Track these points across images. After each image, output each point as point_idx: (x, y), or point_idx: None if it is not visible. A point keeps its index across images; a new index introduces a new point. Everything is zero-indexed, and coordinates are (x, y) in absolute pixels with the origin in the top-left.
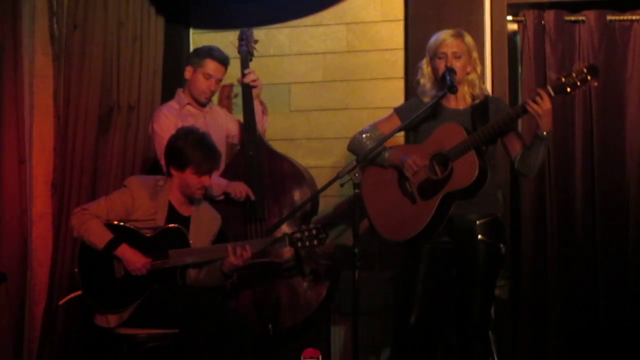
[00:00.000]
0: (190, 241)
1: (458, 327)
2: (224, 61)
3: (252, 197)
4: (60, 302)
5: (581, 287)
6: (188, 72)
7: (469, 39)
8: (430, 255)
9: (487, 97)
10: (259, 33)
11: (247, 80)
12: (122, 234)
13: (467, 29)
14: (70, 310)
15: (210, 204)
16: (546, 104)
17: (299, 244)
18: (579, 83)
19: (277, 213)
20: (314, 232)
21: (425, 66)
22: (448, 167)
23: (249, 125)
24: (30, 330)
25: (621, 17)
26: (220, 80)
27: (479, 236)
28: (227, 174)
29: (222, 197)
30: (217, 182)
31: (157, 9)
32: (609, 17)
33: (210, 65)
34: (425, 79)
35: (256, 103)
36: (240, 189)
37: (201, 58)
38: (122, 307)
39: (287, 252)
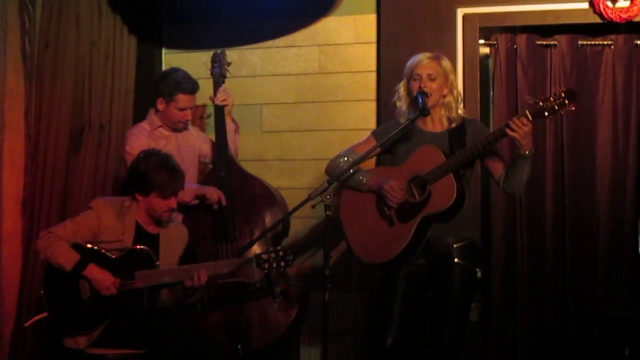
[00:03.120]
0: (160, 259)
1: (432, 349)
2: (194, 91)
3: (224, 202)
4: (26, 324)
5: (551, 311)
6: (160, 104)
7: (446, 62)
8: (407, 277)
9: (464, 119)
10: (231, 54)
11: (217, 100)
12: (89, 255)
13: (440, 52)
14: (39, 331)
15: (182, 221)
16: (526, 128)
17: (266, 265)
18: (557, 107)
19: (248, 233)
20: (280, 254)
21: (402, 89)
22: (426, 190)
23: (220, 146)
24: None
25: (592, 42)
26: (193, 106)
27: (456, 259)
28: None
29: (196, 202)
30: (187, 188)
31: (130, 28)
32: (580, 42)
33: (183, 99)
34: (401, 102)
35: (228, 120)
36: (213, 193)
37: (173, 93)
38: (90, 329)
39: (258, 272)
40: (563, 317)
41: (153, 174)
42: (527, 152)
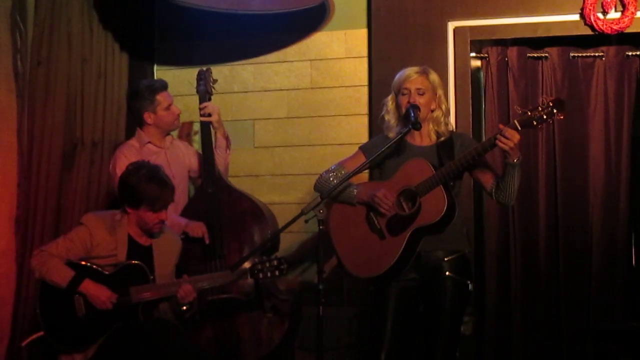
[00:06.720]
0: (155, 271)
1: None
2: (166, 86)
3: (207, 241)
4: (23, 344)
5: (545, 324)
6: (149, 118)
7: (434, 76)
8: (399, 292)
9: (451, 133)
10: (222, 69)
11: (201, 114)
12: (83, 272)
13: (431, 65)
14: (35, 349)
15: None
16: (515, 139)
17: (260, 275)
18: (545, 117)
19: (237, 250)
20: (274, 263)
21: (390, 102)
22: (416, 202)
23: (207, 163)
24: None
25: (584, 54)
26: (173, 100)
27: (447, 273)
28: (187, 212)
29: (182, 236)
30: (177, 222)
31: (122, 45)
32: (572, 54)
33: (162, 97)
34: (389, 115)
35: (219, 136)
36: (197, 229)
37: (152, 99)
38: (86, 346)
39: (248, 287)
40: (557, 330)
41: (143, 187)
42: (515, 160)
